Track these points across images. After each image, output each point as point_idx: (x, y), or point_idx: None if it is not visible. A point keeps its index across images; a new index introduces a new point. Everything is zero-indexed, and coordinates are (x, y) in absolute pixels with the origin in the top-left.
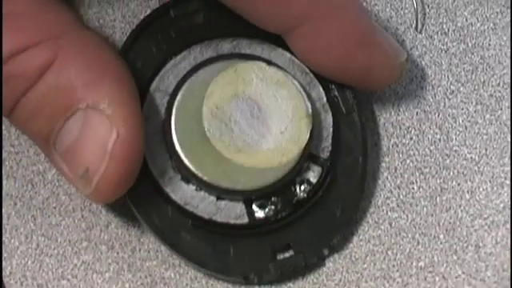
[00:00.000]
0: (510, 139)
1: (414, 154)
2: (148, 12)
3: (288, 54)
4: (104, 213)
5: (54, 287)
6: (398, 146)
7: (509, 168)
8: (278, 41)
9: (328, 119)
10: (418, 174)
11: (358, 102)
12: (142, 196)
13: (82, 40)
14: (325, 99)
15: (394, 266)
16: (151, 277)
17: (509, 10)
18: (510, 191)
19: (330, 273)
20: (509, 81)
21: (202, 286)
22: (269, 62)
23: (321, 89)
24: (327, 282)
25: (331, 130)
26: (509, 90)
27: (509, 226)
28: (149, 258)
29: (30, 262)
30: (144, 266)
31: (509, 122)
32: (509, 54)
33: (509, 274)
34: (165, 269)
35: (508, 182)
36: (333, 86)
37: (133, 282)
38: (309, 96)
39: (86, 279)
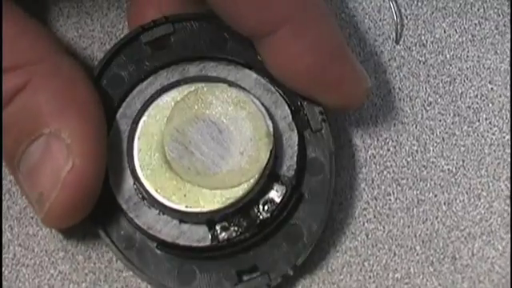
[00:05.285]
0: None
1: (391, 166)
2: (126, 23)
3: (254, 75)
4: (81, 223)
5: None
6: (375, 157)
7: (486, 180)
8: (244, 62)
9: (293, 138)
10: (395, 185)
11: (326, 119)
12: (107, 221)
13: (56, 68)
14: (290, 118)
15: (370, 277)
16: (127, 287)
17: (487, 22)
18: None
19: (306, 284)
20: (486, 92)
21: None
22: (231, 84)
23: (286, 107)
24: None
25: (296, 148)
26: (486, 101)
27: (485, 237)
28: (125, 268)
29: (6, 272)
30: (120, 276)
31: (486, 134)
32: (486, 66)
33: (484, 286)
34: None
35: (485, 193)
36: (301, 104)
37: None
38: (273, 115)
39: None
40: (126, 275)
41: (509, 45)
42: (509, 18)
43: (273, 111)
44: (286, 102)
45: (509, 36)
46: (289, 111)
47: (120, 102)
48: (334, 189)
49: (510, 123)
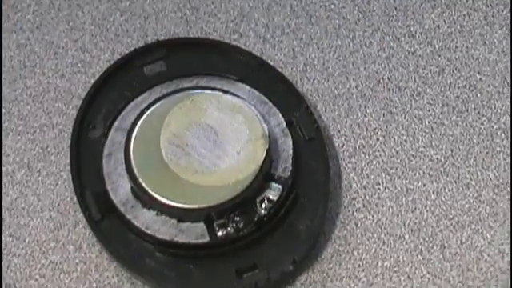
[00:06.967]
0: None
1: (380, 155)
2: (117, 15)
3: (247, 87)
4: (72, 213)
5: (22, 287)
6: (364, 147)
7: (474, 169)
8: (236, 78)
9: (288, 142)
10: (384, 174)
11: (319, 127)
12: (106, 228)
13: None
14: (284, 124)
15: (359, 265)
16: (118, 277)
17: (475, 13)
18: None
19: (296, 273)
20: (475, 82)
21: None
22: (225, 92)
23: (280, 115)
24: (293, 281)
25: (291, 151)
26: (475, 91)
27: (474, 226)
28: (116, 258)
29: None
30: (111, 266)
31: (474, 124)
32: (475, 56)
33: (473, 274)
34: None
35: (473, 182)
36: (296, 114)
37: (100, 282)
38: (268, 122)
39: (53, 279)
40: (117, 265)
41: (497, 35)
42: (497, 8)
43: (267, 119)
44: (280, 111)
45: (497, 27)
46: (282, 119)
47: (115, 117)
48: (329, 189)
49: (510, 113)
